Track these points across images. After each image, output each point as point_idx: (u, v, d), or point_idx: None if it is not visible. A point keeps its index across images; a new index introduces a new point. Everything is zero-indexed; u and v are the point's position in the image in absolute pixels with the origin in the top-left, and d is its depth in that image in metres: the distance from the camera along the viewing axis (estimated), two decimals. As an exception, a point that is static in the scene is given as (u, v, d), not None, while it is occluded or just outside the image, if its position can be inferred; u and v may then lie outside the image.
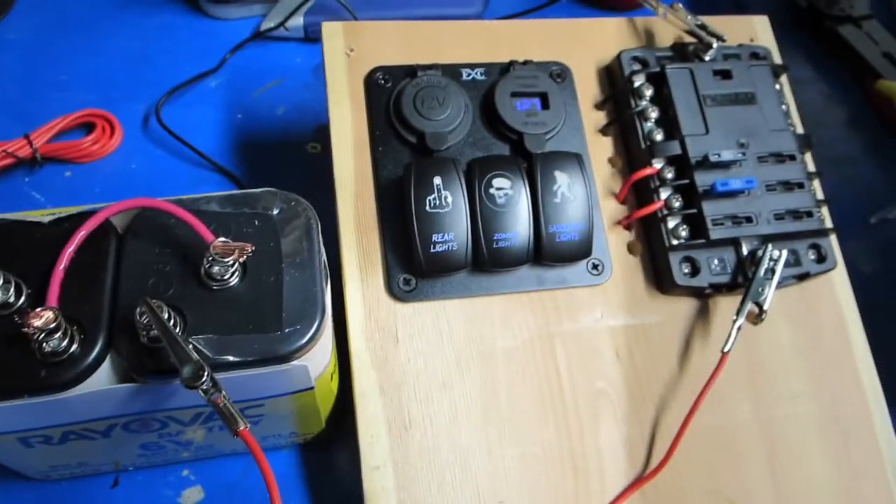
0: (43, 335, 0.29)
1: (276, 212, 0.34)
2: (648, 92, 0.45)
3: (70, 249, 0.30)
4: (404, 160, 0.42)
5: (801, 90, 0.62)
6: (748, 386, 0.43)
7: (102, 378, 0.31)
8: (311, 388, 0.34)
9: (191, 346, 0.29)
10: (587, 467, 0.40)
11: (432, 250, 0.39)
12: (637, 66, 0.46)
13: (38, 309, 0.28)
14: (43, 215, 0.33)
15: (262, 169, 0.54)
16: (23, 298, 0.31)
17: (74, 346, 0.30)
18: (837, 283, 0.46)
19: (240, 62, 0.60)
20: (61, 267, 0.30)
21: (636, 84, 0.45)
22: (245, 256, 0.31)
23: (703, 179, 0.42)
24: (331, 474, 0.42)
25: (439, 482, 0.38)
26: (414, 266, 0.40)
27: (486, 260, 0.40)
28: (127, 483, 0.41)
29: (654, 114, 0.45)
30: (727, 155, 0.42)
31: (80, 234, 0.31)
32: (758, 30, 0.51)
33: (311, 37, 0.61)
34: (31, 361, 0.29)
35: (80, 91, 0.57)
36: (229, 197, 0.34)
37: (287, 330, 0.31)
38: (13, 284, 0.30)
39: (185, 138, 0.54)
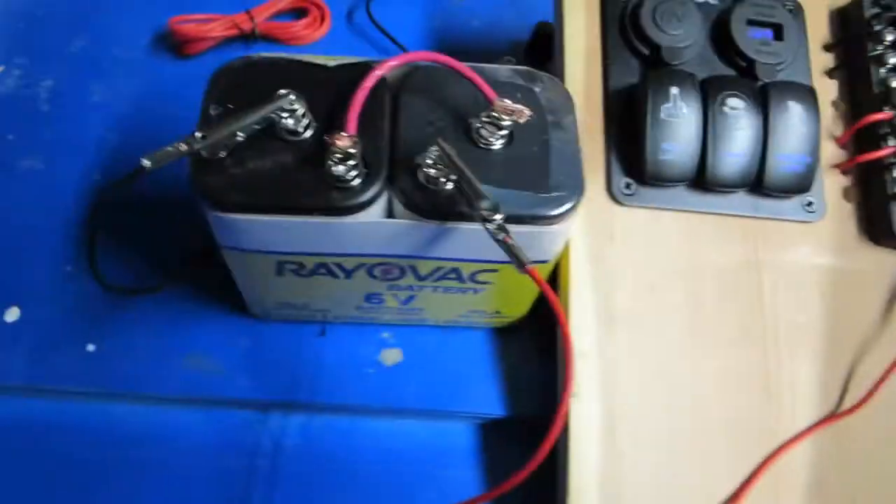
0: (338, 159, 0.31)
1: (538, 88, 0.36)
2: (890, 37, 0.44)
3: (368, 84, 0.32)
4: (635, 72, 0.43)
5: None
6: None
7: (378, 211, 0.33)
8: (548, 261, 0.36)
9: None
10: (780, 393, 0.40)
11: (660, 157, 0.40)
12: (877, 10, 0.45)
13: (342, 133, 0.30)
14: (326, 60, 0.35)
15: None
16: (311, 131, 0.33)
17: (359, 178, 0.32)
18: None
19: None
20: (360, 98, 0.32)
21: (876, 28, 0.44)
22: (524, 119, 0.32)
23: (939, 129, 0.42)
24: (524, 358, 0.44)
25: (640, 380, 0.39)
26: (638, 171, 0.41)
27: (709, 176, 0.40)
28: (332, 335, 0.43)
29: (893, 59, 0.44)
30: (971, 107, 0.41)
31: (376, 74, 0.32)
32: None
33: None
34: (320, 183, 0.31)
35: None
36: (493, 69, 0.36)
37: (554, 193, 0.32)
38: (307, 117, 0.32)
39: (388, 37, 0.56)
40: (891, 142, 0.42)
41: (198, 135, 0.30)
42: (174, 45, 0.54)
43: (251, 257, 0.35)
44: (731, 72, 0.44)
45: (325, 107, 0.34)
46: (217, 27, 0.52)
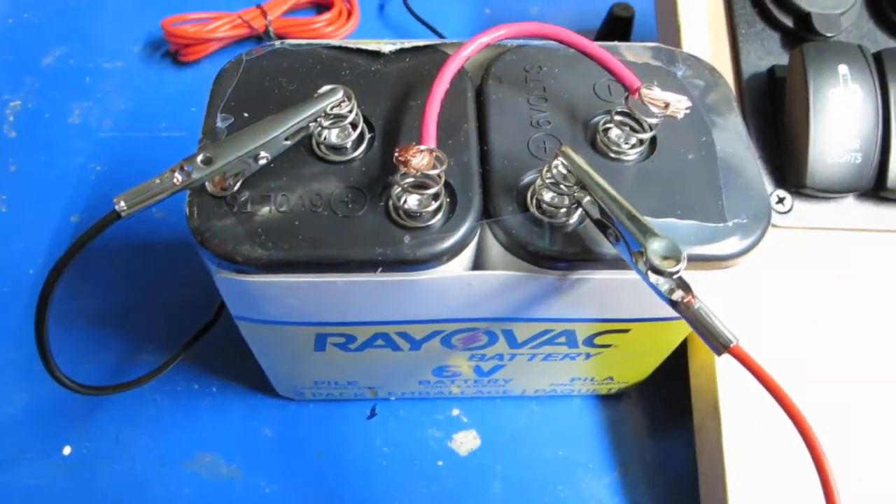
0: (411, 186, 0.20)
1: (681, 72, 0.25)
2: None
3: (447, 75, 0.22)
4: (775, 49, 0.33)
5: None
6: None
7: (467, 260, 0.22)
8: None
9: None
10: None
11: (831, 160, 0.29)
12: None
13: (418, 146, 0.20)
14: (379, 44, 0.25)
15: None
16: (363, 146, 0.22)
17: (441, 213, 0.21)
18: None
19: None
20: (438, 94, 0.21)
21: None
22: (682, 113, 0.21)
23: None
24: (633, 431, 0.33)
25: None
26: (796, 180, 0.30)
27: (894, 182, 0.30)
28: (386, 415, 0.32)
29: None
30: None
31: (460, 58, 0.22)
32: None
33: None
34: (382, 223, 0.21)
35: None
36: (612, 47, 0.25)
37: (732, 222, 0.22)
38: (360, 125, 0.22)
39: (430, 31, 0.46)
40: None
41: (198, 159, 0.20)
42: (172, 52, 0.44)
43: (280, 330, 0.25)
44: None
45: (382, 111, 0.23)
46: (222, 27, 0.42)
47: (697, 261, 0.21)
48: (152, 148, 0.40)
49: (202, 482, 0.31)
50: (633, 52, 0.25)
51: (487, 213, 0.22)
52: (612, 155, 0.23)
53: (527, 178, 0.22)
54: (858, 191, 0.30)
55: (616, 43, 0.26)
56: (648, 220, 0.19)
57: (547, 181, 0.21)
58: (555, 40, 0.23)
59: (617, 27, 0.45)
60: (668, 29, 0.34)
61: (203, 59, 0.44)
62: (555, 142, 0.23)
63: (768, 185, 0.31)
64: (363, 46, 0.25)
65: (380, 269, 0.21)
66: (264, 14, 0.43)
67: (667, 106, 0.21)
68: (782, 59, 0.33)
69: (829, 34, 0.32)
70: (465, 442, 0.32)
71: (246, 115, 0.23)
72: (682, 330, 0.27)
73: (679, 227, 0.21)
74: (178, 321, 0.34)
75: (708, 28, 0.33)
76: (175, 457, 0.31)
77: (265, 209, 0.21)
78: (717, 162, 0.23)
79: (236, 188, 0.21)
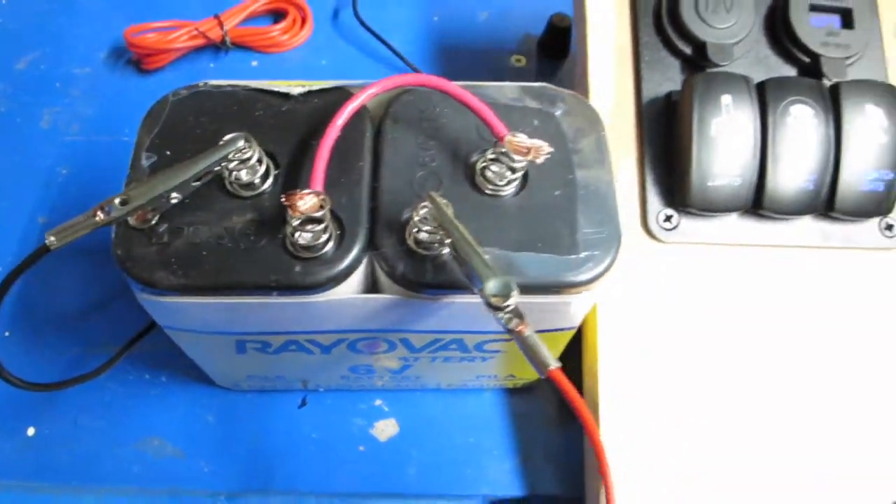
0: (300, 224, 0.24)
1: (559, 111, 0.28)
2: (983, 20, 0.36)
3: (338, 124, 0.25)
4: (674, 74, 0.35)
5: None
6: None
7: (356, 285, 0.26)
8: (574, 327, 0.29)
9: (486, 258, 0.23)
10: (862, 466, 0.33)
11: (710, 183, 0.32)
12: (966, -12, 0.37)
13: (304, 191, 0.23)
14: (290, 86, 0.28)
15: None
16: (270, 180, 0.26)
17: (331, 243, 0.25)
18: None
19: (439, -43, 0.53)
20: (327, 145, 0.24)
21: (967, 9, 0.36)
22: (542, 158, 0.25)
23: None
24: (541, 424, 0.37)
25: (677, 449, 0.32)
26: (681, 200, 0.33)
27: (769, 202, 0.33)
28: (315, 404, 0.36)
29: None
30: None
31: (349, 109, 0.25)
32: None
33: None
34: (282, 254, 0.24)
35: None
36: (499, 88, 0.28)
37: (583, 254, 0.25)
38: (264, 162, 0.25)
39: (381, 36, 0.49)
40: None
41: (116, 201, 0.23)
42: (135, 60, 0.47)
43: (202, 338, 0.28)
44: (791, 70, 0.36)
45: (289, 149, 0.27)
46: (181, 37, 0.45)
47: (551, 288, 0.25)
48: (115, 152, 0.44)
49: (149, 461, 0.35)
50: (519, 92, 0.28)
51: (374, 244, 0.25)
52: (489, 191, 0.26)
53: (406, 215, 0.25)
54: (739, 210, 0.33)
55: (504, 84, 0.29)
56: (494, 253, 0.23)
57: (416, 220, 0.24)
58: (436, 89, 0.26)
59: (556, 36, 0.48)
60: (581, 51, 0.37)
61: (166, 66, 0.47)
62: (437, 180, 0.26)
63: (658, 203, 0.34)
64: (275, 89, 0.28)
65: (275, 293, 0.24)
66: (221, 24, 0.46)
67: (528, 152, 0.25)
68: (680, 85, 0.35)
69: (722, 63, 0.34)
70: (385, 429, 0.36)
71: (168, 153, 0.26)
72: (563, 338, 0.30)
73: (536, 260, 0.25)
74: (133, 320, 0.37)
75: (615, 52, 0.36)
76: (126, 439, 0.35)
77: (179, 241, 0.25)
78: (578, 199, 0.26)
79: (154, 222, 0.25)
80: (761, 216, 0.34)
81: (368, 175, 0.26)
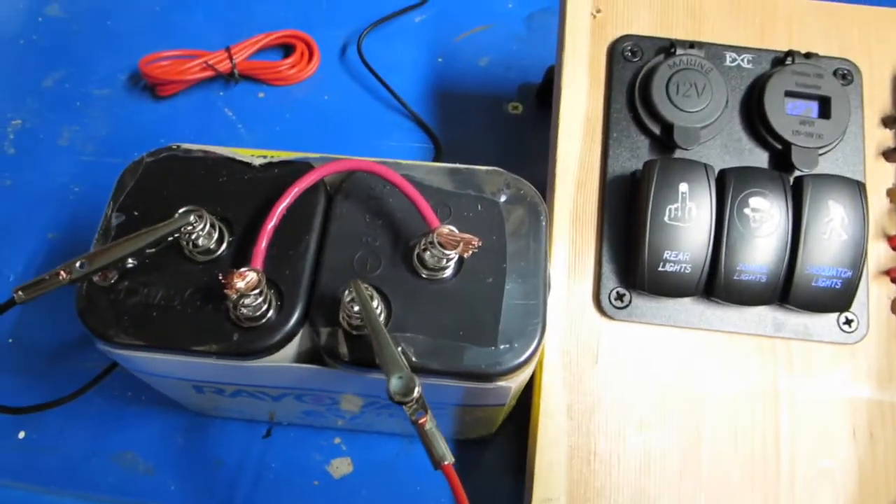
0: (239, 297, 0.26)
1: (503, 197, 0.29)
2: (965, 118, 0.35)
3: (282, 206, 0.27)
4: (642, 153, 0.36)
5: None
6: None
7: (292, 353, 0.28)
8: (504, 404, 0.30)
9: (400, 350, 0.25)
10: (791, 557, 0.33)
11: (660, 268, 0.33)
12: (954, 81, 0.36)
13: (243, 269, 0.25)
14: (253, 155, 0.30)
15: (456, 123, 0.49)
16: (224, 246, 0.28)
17: (270, 313, 0.27)
18: None
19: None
20: (270, 226, 0.26)
21: (951, 105, 0.36)
22: (469, 253, 0.26)
23: None
24: (494, 474, 0.38)
25: (615, 531, 0.33)
26: (633, 280, 0.34)
27: (720, 292, 0.33)
28: (279, 436, 0.39)
29: (967, 147, 0.35)
30: None
31: (295, 191, 0.27)
32: None
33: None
34: (224, 321, 0.26)
35: (283, 7, 0.54)
36: (452, 171, 0.30)
37: (502, 346, 0.26)
38: (217, 230, 0.28)
39: (383, 75, 0.50)
40: (959, 252, 0.34)
41: (76, 264, 0.26)
42: (150, 85, 0.50)
43: (161, 380, 0.31)
44: (762, 155, 0.36)
45: (245, 217, 0.29)
46: (192, 68, 0.48)
47: (470, 377, 0.26)
48: (124, 174, 0.47)
49: (122, 474, 0.38)
50: (470, 176, 0.30)
51: (310, 318, 0.27)
52: (424, 275, 0.28)
53: (341, 293, 0.27)
54: (689, 296, 0.34)
55: (459, 167, 0.30)
56: (415, 339, 0.24)
57: (346, 302, 0.26)
58: (377, 175, 0.28)
59: (551, 89, 0.49)
60: (553, 121, 0.38)
61: (179, 94, 0.50)
62: (376, 260, 0.28)
63: (613, 280, 0.35)
64: (240, 158, 0.30)
65: (214, 357, 0.26)
66: (230, 57, 0.48)
67: (457, 245, 0.26)
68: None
69: (687, 147, 0.35)
70: (340, 467, 0.38)
71: (136, 213, 0.29)
72: (503, 410, 0.32)
73: (456, 349, 0.26)
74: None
75: (585, 125, 0.37)
76: (104, 450, 0.38)
77: (134, 300, 0.27)
78: (506, 289, 0.27)
79: (113, 281, 0.27)
80: (717, 302, 0.34)
81: (314, 249, 0.28)
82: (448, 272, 0.28)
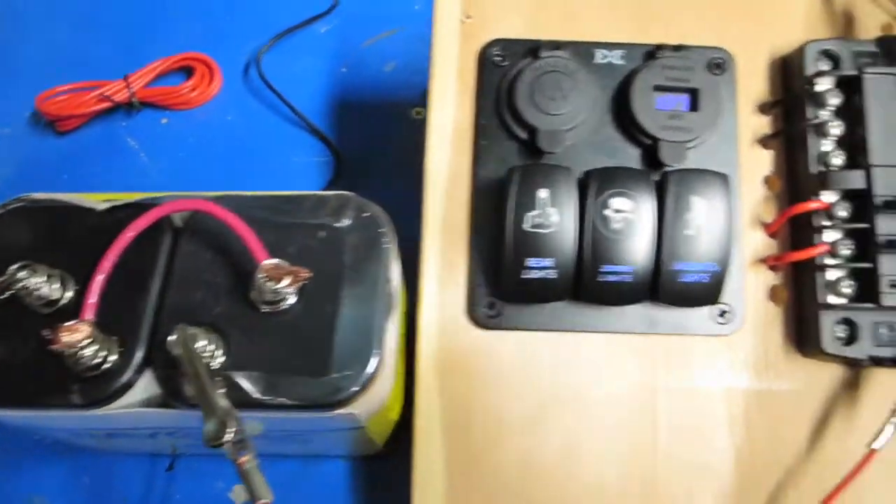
0: (72, 350, 0.26)
1: (346, 223, 0.30)
2: (835, 101, 0.35)
3: (113, 254, 0.27)
4: (511, 159, 0.36)
5: None
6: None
7: (138, 397, 0.28)
8: (362, 427, 0.31)
9: (223, 391, 0.25)
10: (675, 554, 0.34)
11: (523, 276, 0.33)
12: (826, 65, 0.36)
13: (72, 323, 0.25)
14: (99, 200, 0.30)
15: (361, 133, 0.49)
16: (70, 294, 0.28)
17: (111, 360, 0.27)
18: None
19: (354, 5, 0.54)
20: (100, 277, 0.27)
21: (819, 88, 0.35)
22: (299, 284, 0.26)
23: (887, 226, 0.33)
24: (389, 490, 0.39)
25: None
26: (500, 289, 0.34)
27: (589, 294, 0.33)
28: (182, 468, 0.39)
29: (836, 130, 0.35)
30: (930, 200, 0.32)
31: (127, 236, 0.27)
32: None
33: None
34: (64, 373, 0.27)
35: (186, 28, 0.53)
36: (296, 199, 0.30)
37: (335, 375, 0.27)
38: (59, 279, 0.28)
39: (287, 89, 0.50)
40: (828, 236, 0.34)
41: (-88, 327, 0.26)
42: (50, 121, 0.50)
43: (35, 427, 0.31)
44: (635, 152, 0.36)
45: (87, 262, 0.29)
46: (89, 102, 0.48)
47: (307, 408, 0.27)
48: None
49: (35, 518, 0.39)
50: (307, 204, 0.30)
51: (152, 361, 0.28)
52: (265, 308, 0.28)
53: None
54: (559, 300, 0.34)
55: (305, 193, 0.30)
56: (244, 377, 0.25)
57: (174, 348, 0.26)
58: (207, 213, 0.28)
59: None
60: (426, 130, 0.38)
61: (82, 127, 0.50)
62: (217, 298, 0.28)
63: (484, 290, 0.35)
64: (85, 204, 0.30)
65: (59, 408, 0.27)
66: (128, 86, 0.48)
67: (283, 277, 0.26)
68: (511, 172, 0.36)
69: (552, 150, 0.35)
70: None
71: (-17, 265, 0.29)
72: (367, 431, 0.32)
73: (290, 382, 0.27)
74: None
75: (455, 133, 0.36)
76: (15, 495, 0.39)
77: (-22, 355, 0.27)
78: (341, 319, 0.28)
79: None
80: (584, 303, 0.34)
81: (157, 291, 0.29)
82: (287, 304, 0.28)
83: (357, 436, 0.33)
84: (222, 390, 0.25)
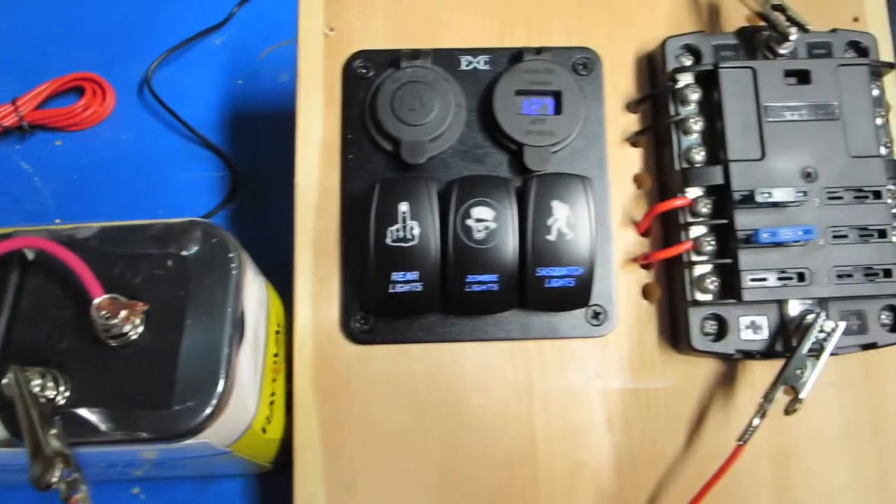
0: None
1: (193, 250, 0.29)
2: (695, 96, 0.35)
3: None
4: (379, 173, 0.36)
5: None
6: (772, 477, 0.35)
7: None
8: (227, 452, 0.31)
9: (55, 431, 0.25)
10: (555, 556, 0.34)
11: (391, 290, 0.33)
12: (687, 60, 0.36)
13: None
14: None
15: (256, 146, 0.49)
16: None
17: (-48, 403, 0.27)
18: (920, 353, 0.36)
19: (249, 16, 0.54)
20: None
21: (680, 84, 0.35)
22: (136, 318, 0.26)
23: (745, 221, 0.33)
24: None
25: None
26: (369, 304, 0.34)
27: (457, 305, 0.34)
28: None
29: (698, 126, 0.35)
30: (781, 194, 0.32)
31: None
32: (867, 5, 0.39)
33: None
34: None
35: (81, 47, 0.53)
36: (141, 228, 0.30)
37: (177, 407, 0.27)
38: None
39: (183, 104, 0.50)
40: (693, 232, 0.34)
41: None
42: (-59, 149, 0.49)
43: None
44: (503, 158, 0.36)
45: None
46: (-26, 128, 0.47)
47: (148, 442, 0.27)
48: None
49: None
50: (157, 232, 0.30)
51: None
52: (113, 343, 0.28)
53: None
54: (429, 312, 0.34)
55: (150, 223, 0.30)
56: (85, 413, 0.25)
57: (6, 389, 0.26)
58: (44, 251, 0.28)
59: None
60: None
61: (-30, 156, 0.49)
62: (63, 334, 0.28)
63: (357, 305, 0.35)
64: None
65: None
66: (16, 110, 0.48)
67: (118, 313, 0.26)
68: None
69: (415, 162, 0.35)
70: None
71: None
72: (236, 454, 0.32)
73: (132, 416, 0.26)
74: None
75: (323, 147, 0.36)
76: None
77: None
78: (182, 351, 0.27)
79: None
80: (461, 313, 0.35)
81: (4, 328, 0.28)
82: (133, 336, 0.28)
83: (232, 459, 0.33)
84: (54, 430, 0.25)
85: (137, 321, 0.27)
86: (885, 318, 0.34)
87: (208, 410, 0.27)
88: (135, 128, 0.50)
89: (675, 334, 0.35)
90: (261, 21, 0.54)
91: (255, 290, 0.31)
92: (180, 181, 0.48)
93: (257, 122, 0.50)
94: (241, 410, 0.30)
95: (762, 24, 0.36)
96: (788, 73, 0.34)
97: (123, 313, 0.26)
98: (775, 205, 0.33)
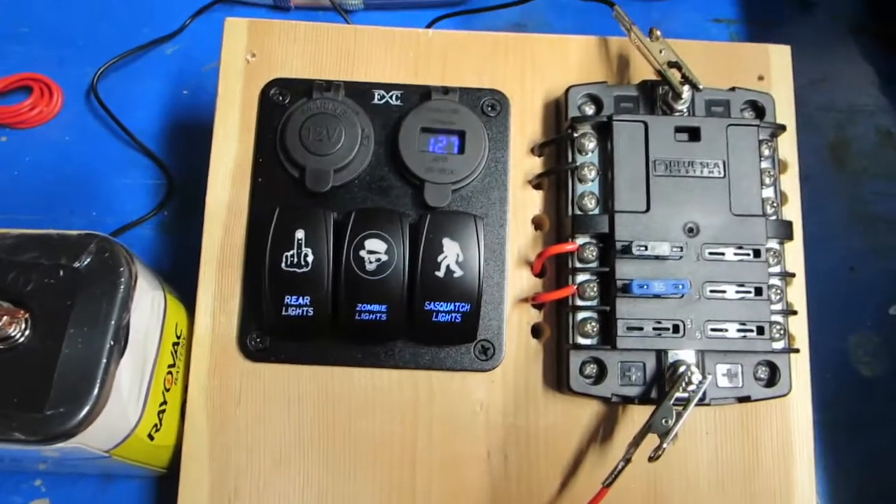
0: None
1: (85, 262, 0.31)
2: (591, 144, 0.37)
3: None
4: (285, 196, 0.37)
5: (853, 124, 0.51)
6: (640, 519, 0.36)
7: None
8: (105, 456, 0.32)
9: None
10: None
11: (284, 313, 0.34)
12: (590, 108, 0.38)
13: None
14: None
15: (196, 156, 0.50)
16: None
17: None
18: (794, 405, 0.37)
19: (203, 28, 0.55)
20: None
21: (579, 132, 0.37)
22: (17, 324, 0.28)
23: (625, 271, 0.35)
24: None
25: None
26: (265, 325, 0.36)
27: (346, 331, 0.35)
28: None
29: (592, 174, 0.36)
30: (658, 247, 0.34)
31: None
32: (773, 64, 0.40)
33: (280, 5, 0.55)
34: None
35: (39, 47, 0.54)
36: (39, 238, 0.31)
37: (49, 412, 0.28)
38: None
39: (129, 111, 0.51)
40: (579, 278, 0.36)
41: None
42: None
43: None
44: (407, 193, 0.37)
45: None
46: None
47: (20, 443, 0.28)
48: None
49: None
50: (56, 243, 0.31)
51: None
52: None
53: None
54: (320, 337, 0.36)
55: (49, 233, 0.31)
56: None
57: None
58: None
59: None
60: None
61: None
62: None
63: (254, 323, 0.36)
64: None
65: None
66: (-39, 109, 0.49)
67: (2, 317, 0.28)
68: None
69: (317, 190, 0.36)
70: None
71: None
72: (121, 458, 0.33)
73: (7, 417, 0.28)
74: None
75: (235, 170, 0.38)
76: None
77: None
78: (62, 358, 0.29)
79: None
80: (349, 339, 0.36)
81: None
82: (18, 342, 0.29)
83: (115, 463, 0.34)
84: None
85: (20, 327, 0.29)
86: (762, 373, 0.36)
87: (80, 416, 0.28)
88: (79, 130, 0.51)
89: (558, 375, 0.37)
90: (213, 34, 0.55)
91: (146, 304, 0.33)
92: (118, 186, 0.49)
93: (197, 133, 0.51)
94: (119, 418, 0.31)
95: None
96: (679, 130, 0.36)
97: (4, 319, 0.28)
98: (656, 257, 0.34)
